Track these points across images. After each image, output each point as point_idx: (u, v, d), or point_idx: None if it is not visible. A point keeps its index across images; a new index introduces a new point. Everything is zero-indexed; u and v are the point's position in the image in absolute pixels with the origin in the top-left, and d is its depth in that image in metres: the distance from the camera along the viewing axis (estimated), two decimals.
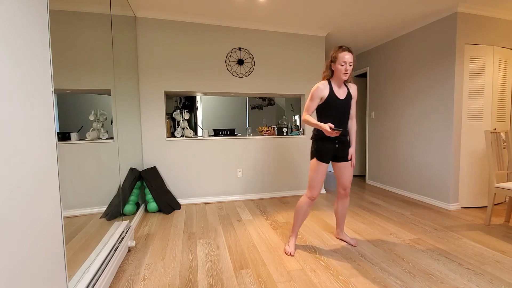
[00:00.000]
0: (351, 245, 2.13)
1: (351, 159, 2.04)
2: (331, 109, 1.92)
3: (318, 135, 1.98)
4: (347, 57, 1.80)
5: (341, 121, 1.95)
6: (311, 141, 2.05)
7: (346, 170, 2.03)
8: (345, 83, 1.97)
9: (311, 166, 1.99)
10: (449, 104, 2.99)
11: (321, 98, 1.92)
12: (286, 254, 2.02)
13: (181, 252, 2.03)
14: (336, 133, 1.78)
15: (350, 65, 1.82)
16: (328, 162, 1.98)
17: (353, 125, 2.07)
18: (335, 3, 2.81)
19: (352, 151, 2.04)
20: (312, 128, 1.80)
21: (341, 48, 1.82)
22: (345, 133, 2.02)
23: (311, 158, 2.01)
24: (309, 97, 1.94)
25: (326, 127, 1.77)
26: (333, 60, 1.85)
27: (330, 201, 3.37)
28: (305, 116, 1.94)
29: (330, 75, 1.92)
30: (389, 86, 3.90)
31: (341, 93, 1.93)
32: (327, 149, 1.95)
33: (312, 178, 1.97)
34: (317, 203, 3.25)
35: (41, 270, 0.97)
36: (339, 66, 1.82)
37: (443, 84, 3.06)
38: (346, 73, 1.83)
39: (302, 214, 2.04)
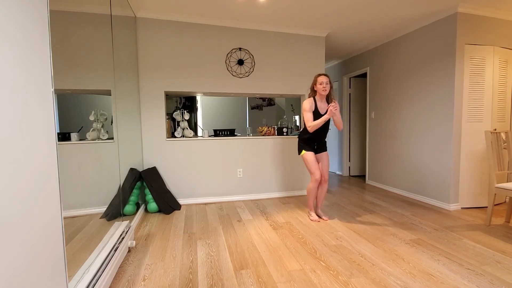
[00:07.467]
0: (325, 220, 2.69)
1: (326, 150, 2.70)
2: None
3: (303, 138, 2.65)
4: (323, 78, 2.50)
5: (322, 130, 2.58)
6: (298, 143, 2.73)
7: (324, 160, 2.65)
8: (327, 101, 2.59)
9: (304, 159, 2.62)
10: (449, 104, 2.99)
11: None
12: (313, 221, 2.65)
13: (181, 253, 2.03)
14: (334, 107, 2.38)
15: (327, 84, 2.49)
16: (313, 151, 2.62)
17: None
18: (335, 3, 2.81)
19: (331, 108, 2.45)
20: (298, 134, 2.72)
21: (319, 75, 2.54)
22: (323, 139, 2.67)
23: (299, 152, 2.66)
24: (304, 111, 2.53)
25: (330, 110, 2.37)
26: (315, 83, 2.55)
27: (329, 201, 3.37)
28: (311, 123, 2.48)
29: (313, 94, 2.59)
30: (389, 86, 3.90)
31: (323, 109, 2.57)
32: (310, 146, 2.63)
33: (310, 167, 2.59)
34: None
35: (41, 270, 0.97)
36: (319, 86, 2.51)
37: (443, 84, 3.06)
38: (324, 90, 2.49)
39: (313, 195, 2.67)
